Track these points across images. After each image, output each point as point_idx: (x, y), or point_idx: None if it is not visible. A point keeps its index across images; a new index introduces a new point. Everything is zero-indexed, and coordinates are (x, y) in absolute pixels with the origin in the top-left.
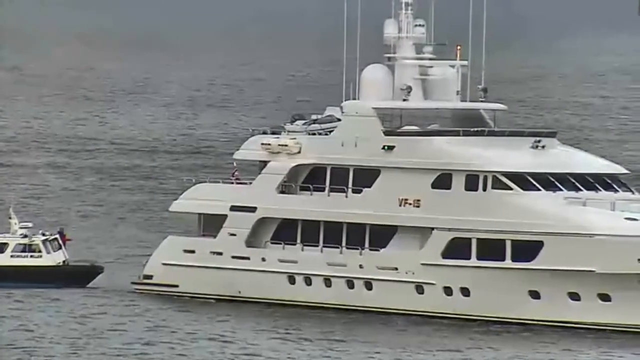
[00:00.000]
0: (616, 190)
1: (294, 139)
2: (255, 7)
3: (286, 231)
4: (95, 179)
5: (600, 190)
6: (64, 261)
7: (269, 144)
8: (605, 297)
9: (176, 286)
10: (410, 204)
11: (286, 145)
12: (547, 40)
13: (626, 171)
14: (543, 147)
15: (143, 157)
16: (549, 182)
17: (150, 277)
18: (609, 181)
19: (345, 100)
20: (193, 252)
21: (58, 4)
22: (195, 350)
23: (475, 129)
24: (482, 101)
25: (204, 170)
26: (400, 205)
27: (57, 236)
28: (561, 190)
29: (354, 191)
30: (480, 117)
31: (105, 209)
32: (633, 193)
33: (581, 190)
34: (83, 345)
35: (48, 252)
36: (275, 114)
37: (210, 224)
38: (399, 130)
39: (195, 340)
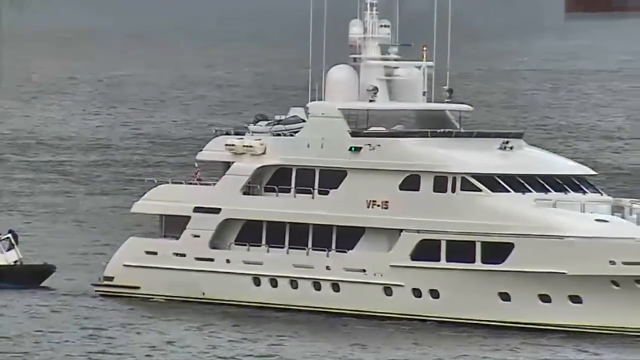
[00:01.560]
0: (585, 192)
1: (259, 140)
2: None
3: (251, 233)
4: (33, 177)
5: (569, 192)
6: (15, 261)
7: (234, 145)
8: (576, 299)
9: (138, 288)
10: (378, 205)
11: (251, 147)
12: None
13: (594, 173)
14: (511, 148)
15: (87, 155)
16: (519, 183)
17: (111, 278)
18: (578, 183)
19: (311, 101)
20: (155, 253)
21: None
22: (133, 349)
23: (443, 131)
24: (448, 102)
25: (149, 168)
26: (368, 207)
27: (10, 236)
28: (531, 192)
29: (320, 193)
30: (445, 118)
31: (52, 209)
32: (601, 195)
33: (550, 192)
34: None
35: (1, 252)
36: (201, 114)
37: (173, 225)
38: (366, 132)
39: (141, 342)
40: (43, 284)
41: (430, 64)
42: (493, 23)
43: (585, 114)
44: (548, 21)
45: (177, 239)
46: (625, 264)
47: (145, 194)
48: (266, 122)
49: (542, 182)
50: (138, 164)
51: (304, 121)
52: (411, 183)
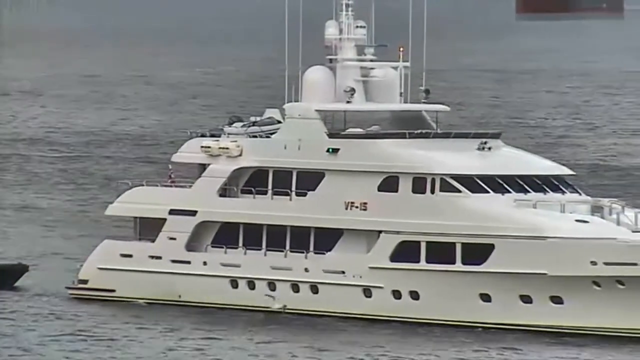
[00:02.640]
0: (563, 192)
1: (235, 141)
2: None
3: (228, 235)
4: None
5: (548, 192)
6: None
7: (209, 147)
8: (557, 300)
9: (113, 291)
10: (356, 207)
11: (227, 148)
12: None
13: (572, 172)
14: (489, 148)
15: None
16: (498, 184)
17: (85, 281)
18: (556, 182)
19: (287, 102)
20: (130, 256)
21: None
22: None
23: (421, 131)
24: (424, 102)
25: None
26: (346, 209)
27: None
28: (510, 192)
29: (297, 194)
30: (421, 118)
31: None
32: (580, 194)
33: (529, 192)
34: None
35: None
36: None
37: (147, 228)
38: (343, 133)
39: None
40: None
41: (407, 64)
42: (444, 24)
43: (534, 112)
44: (499, 22)
45: (152, 241)
46: (606, 264)
47: (119, 196)
48: (241, 124)
49: (521, 183)
50: (101, 163)
51: (279, 122)
52: (389, 184)
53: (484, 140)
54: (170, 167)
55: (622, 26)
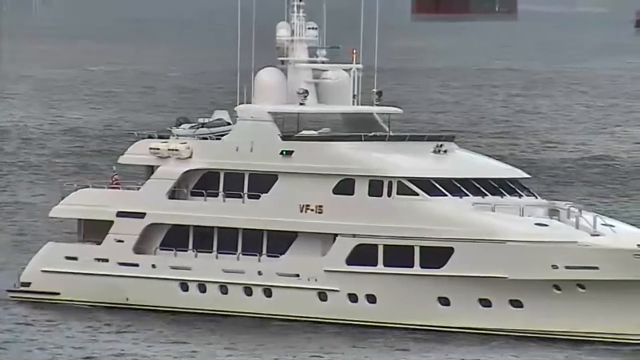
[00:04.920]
0: (520, 195)
1: (185, 143)
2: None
3: (177, 237)
4: None
5: (505, 195)
6: None
7: (158, 149)
8: (517, 304)
9: (57, 294)
10: (312, 210)
11: (177, 150)
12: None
13: (527, 175)
14: (445, 151)
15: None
16: (455, 187)
17: (28, 284)
18: (512, 186)
19: (239, 104)
20: (76, 259)
21: None
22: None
23: (375, 134)
24: (377, 105)
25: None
26: (301, 212)
27: None
28: (467, 195)
29: (250, 197)
30: (373, 120)
31: None
32: (536, 197)
33: (486, 195)
34: None
35: None
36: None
37: (92, 230)
38: (297, 135)
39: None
40: None
41: (359, 66)
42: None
43: (428, 112)
44: (394, 21)
45: (98, 243)
46: (567, 267)
47: (63, 197)
48: (189, 125)
49: (478, 186)
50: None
51: (229, 124)
52: (345, 187)
53: (439, 143)
54: (114, 168)
55: (515, 27)
